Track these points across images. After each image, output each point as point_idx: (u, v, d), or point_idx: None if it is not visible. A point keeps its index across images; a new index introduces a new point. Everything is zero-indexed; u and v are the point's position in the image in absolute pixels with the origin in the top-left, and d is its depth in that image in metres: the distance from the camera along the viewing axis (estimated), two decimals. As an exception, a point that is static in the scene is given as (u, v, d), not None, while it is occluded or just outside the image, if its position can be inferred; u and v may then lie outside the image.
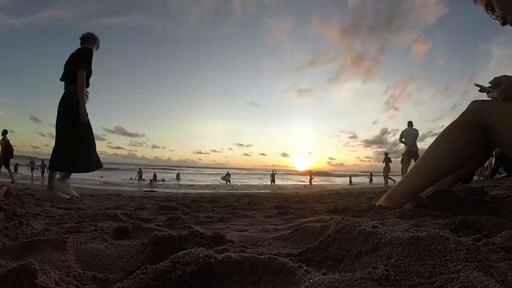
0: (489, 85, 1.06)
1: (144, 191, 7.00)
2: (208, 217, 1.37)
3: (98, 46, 3.20)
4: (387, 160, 12.33)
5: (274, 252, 0.58)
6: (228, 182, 19.10)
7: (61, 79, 3.01)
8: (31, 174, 16.36)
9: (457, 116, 1.06)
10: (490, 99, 1.04)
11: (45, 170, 16.54)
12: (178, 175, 21.21)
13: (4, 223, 0.94)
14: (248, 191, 7.12)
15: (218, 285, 0.44)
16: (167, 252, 0.62)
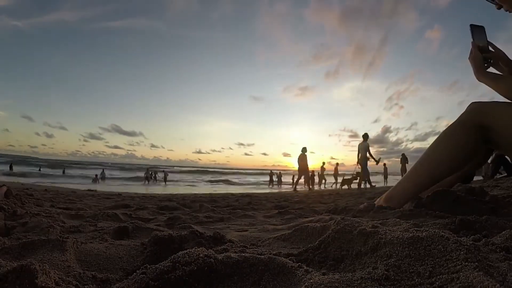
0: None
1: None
2: (208, 217, 1.37)
3: None
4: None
5: (274, 252, 0.58)
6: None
7: None
8: None
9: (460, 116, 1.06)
10: (489, 100, 1.05)
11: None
12: (165, 175, 20.77)
13: (4, 223, 0.95)
14: (248, 191, 7.12)
15: (218, 285, 0.44)
16: (167, 252, 0.62)
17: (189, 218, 1.33)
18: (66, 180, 14.25)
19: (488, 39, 1.06)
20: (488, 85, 1.01)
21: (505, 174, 5.38)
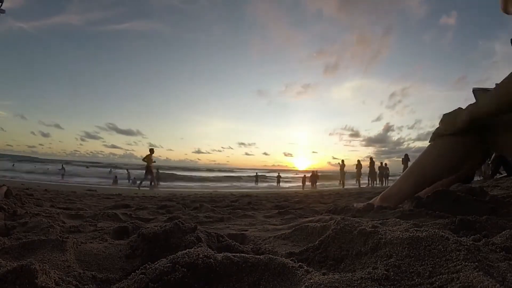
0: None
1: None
2: (208, 217, 1.37)
3: None
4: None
5: (274, 250, 0.58)
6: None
7: None
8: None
9: None
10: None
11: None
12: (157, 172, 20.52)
13: (4, 223, 0.95)
14: (248, 191, 7.12)
15: (218, 285, 0.44)
16: (155, 248, 0.62)
17: (189, 218, 1.33)
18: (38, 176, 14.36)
19: None
20: None
21: (505, 174, 5.38)
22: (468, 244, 0.43)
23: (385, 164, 15.62)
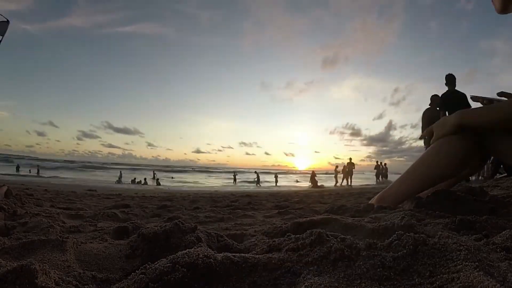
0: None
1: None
2: (208, 217, 1.37)
3: None
4: None
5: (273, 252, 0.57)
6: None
7: None
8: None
9: None
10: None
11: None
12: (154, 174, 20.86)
13: (4, 223, 0.94)
14: (248, 191, 7.12)
15: (218, 285, 0.44)
16: (155, 248, 0.62)
17: (189, 218, 1.33)
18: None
19: None
20: None
21: (505, 174, 5.38)
22: (468, 244, 0.43)
23: (385, 164, 15.66)
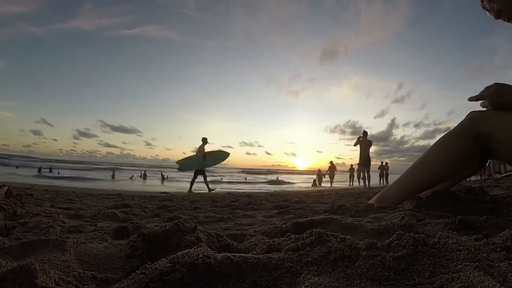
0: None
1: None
2: (208, 217, 1.37)
3: None
4: None
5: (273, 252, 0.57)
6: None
7: None
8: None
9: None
10: (487, 109, 1.05)
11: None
12: (144, 174, 21.37)
13: (4, 223, 0.94)
14: (248, 191, 7.12)
15: (218, 285, 0.44)
16: (155, 248, 0.62)
17: (189, 218, 1.33)
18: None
19: None
20: None
21: (506, 174, 5.38)
22: (468, 244, 0.43)
23: (386, 163, 15.64)
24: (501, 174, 5.84)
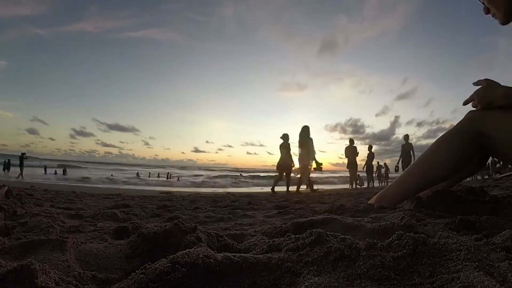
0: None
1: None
2: (208, 217, 1.37)
3: None
4: None
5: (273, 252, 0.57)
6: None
7: None
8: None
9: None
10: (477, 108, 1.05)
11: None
12: (137, 174, 21.95)
13: (4, 223, 0.94)
14: (248, 191, 7.12)
15: (218, 285, 0.44)
16: (155, 247, 0.62)
17: (189, 218, 1.33)
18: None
19: None
20: None
21: (505, 174, 5.38)
22: (468, 244, 0.43)
23: (384, 163, 15.59)
24: (501, 174, 5.85)
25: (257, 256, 0.49)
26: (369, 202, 1.23)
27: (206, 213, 1.59)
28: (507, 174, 5.15)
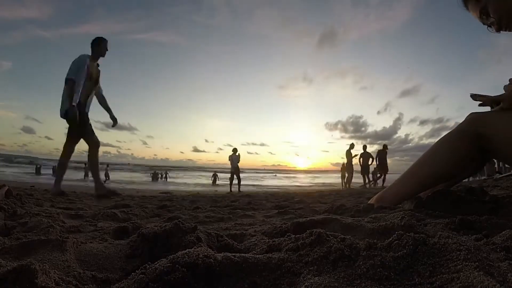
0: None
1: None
2: (208, 217, 1.37)
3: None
4: None
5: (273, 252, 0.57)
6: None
7: None
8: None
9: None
10: (488, 110, 1.05)
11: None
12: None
13: (4, 223, 0.95)
14: (248, 191, 7.11)
15: (218, 285, 0.44)
16: (155, 247, 0.62)
17: (189, 218, 1.33)
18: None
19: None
20: None
21: (506, 174, 5.38)
22: (468, 244, 0.43)
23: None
24: (501, 174, 5.84)
25: (257, 256, 0.49)
26: (369, 202, 1.23)
27: (206, 213, 1.59)
28: (507, 174, 5.15)
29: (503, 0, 0.95)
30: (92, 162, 3.46)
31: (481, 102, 1.07)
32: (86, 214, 1.37)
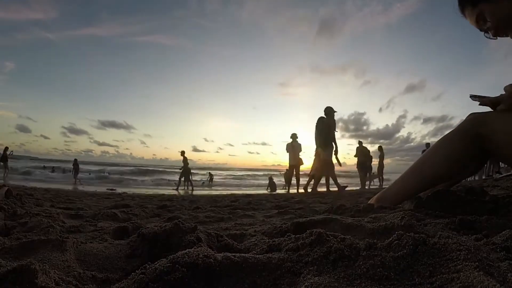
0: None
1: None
2: (208, 217, 1.37)
3: None
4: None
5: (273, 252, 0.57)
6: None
7: None
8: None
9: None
10: (489, 110, 1.05)
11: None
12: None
13: (4, 223, 0.95)
14: (248, 191, 7.11)
15: (218, 285, 0.44)
16: (155, 247, 0.62)
17: (189, 218, 1.33)
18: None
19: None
20: None
21: (506, 174, 5.38)
22: (468, 244, 0.43)
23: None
24: (501, 174, 5.84)
25: (257, 256, 0.49)
26: (369, 202, 1.23)
27: (206, 213, 1.59)
28: (507, 174, 5.15)
29: (499, 5, 0.96)
30: None
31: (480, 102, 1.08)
32: (86, 214, 1.37)
